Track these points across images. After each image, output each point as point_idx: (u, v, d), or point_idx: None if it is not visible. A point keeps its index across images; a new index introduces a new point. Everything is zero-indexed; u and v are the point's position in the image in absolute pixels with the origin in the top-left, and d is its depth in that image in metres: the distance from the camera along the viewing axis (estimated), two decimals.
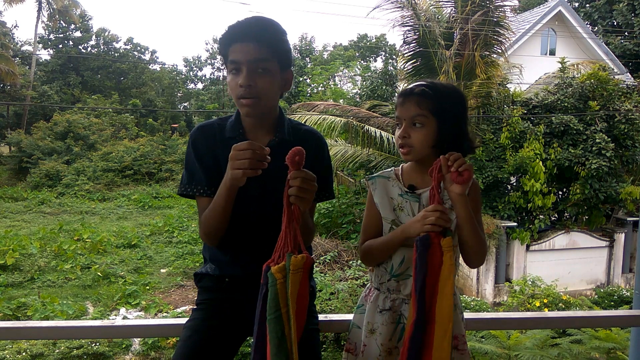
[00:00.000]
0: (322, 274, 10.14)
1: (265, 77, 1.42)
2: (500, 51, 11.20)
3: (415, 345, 1.28)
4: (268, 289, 1.20)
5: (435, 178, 1.33)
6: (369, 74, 24.02)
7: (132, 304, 9.52)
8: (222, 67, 35.39)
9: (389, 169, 1.58)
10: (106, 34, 32.02)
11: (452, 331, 1.31)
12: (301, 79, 26.51)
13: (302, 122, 1.71)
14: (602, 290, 10.31)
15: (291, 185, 1.23)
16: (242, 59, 1.39)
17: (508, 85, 11.46)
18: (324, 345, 7.49)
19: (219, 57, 35.34)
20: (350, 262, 10.79)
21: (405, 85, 12.08)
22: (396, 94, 1.57)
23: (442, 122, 1.43)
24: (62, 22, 29.53)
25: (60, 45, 31.36)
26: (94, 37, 32.01)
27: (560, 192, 11.10)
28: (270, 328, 1.19)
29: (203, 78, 37.19)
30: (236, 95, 1.42)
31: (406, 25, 11.03)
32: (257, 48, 1.40)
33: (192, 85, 37.20)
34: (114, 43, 32.70)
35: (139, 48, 33.70)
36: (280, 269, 1.20)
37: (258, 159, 1.27)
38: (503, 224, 10.26)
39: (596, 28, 20.72)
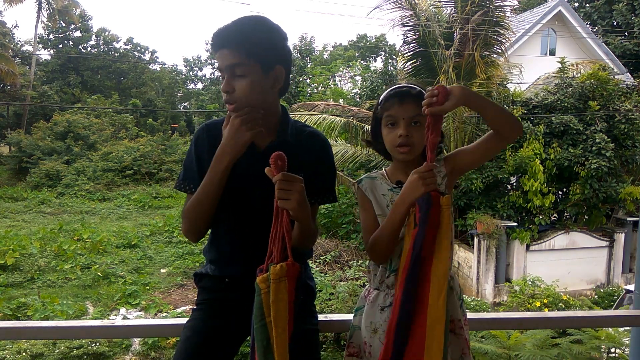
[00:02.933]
0: (322, 274, 10.14)
1: (242, 80, 1.40)
2: (500, 51, 11.20)
3: (409, 300, 1.31)
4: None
5: (428, 138, 1.35)
6: (369, 74, 24.01)
7: (132, 304, 9.53)
8: None
9: (374, 171, 1.62)
10: (106, 34, 32.02)
11: (446, 291, 1.32)
12: (301, 79, 26.49)
13: (302, 122, 1.70)
14: (602, 290, 10.31)
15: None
16: (221, 65, 1.42)
17: (508, 85, 11.46)
18: (324, 346, 7.49)
19: None
20: (350, 262, 10.79)
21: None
22: (385, 94, 1.54)
23: None
24: (62, 22, 29.53)
25: (60, 45, 31.36)
26: (94, 37, 32.01)
27: (560, 192, 11.10)
28: (256, 337, 1.23)
29: (203, 78, 37.21)
30: (223, 100, 1.46)
31: (406, 25, 11.04)
32: (231, 53, 1.40)
33: (192, 85, 37.23)
34: (114, 43, 32.70)
35: (139, 48, 33.71)
36: (264, 279, 1.23)
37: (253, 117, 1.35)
38: (503, 224, 10.26)
39: (596, 28, 20.71)
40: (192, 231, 1.50)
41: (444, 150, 1.61)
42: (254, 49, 1.40)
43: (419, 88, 1.51)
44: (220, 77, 1.45)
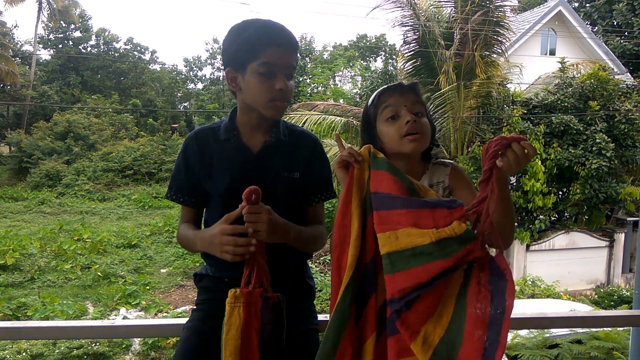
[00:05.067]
0: (322, 274, 10.15)
1: (291, 83, 1.45)
2: (500, 51, 11.20)
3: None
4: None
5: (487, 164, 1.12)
6: (369, 74, 24.02)
7: (132, 304, 9.53)
8: (223, 67, 35.35)
9: None
10: (106, 34, 32.02)
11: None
12: (301, 79, 26.50)
13: (303, 121, 1.72)
14: (602, 290, 10.31)
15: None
16: (280, 63, 1.40)
17: (508, 85, 11.46)
18: None
19: (219, 57, 35.36)
20: None
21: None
22: (378, 92, 1.47)
23: (429, 120, 1.46)
24: (62, 22, 29.51)
25: (60, 45, 31.36)
26: (94, 37, 32.00)
27: (560, 192, 11.10)
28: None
29: (203, 78, 37.17)
30: (269, 97, 1.41)
31: (406, 25, 11.04)
32: (293, 55, 1.44)
33: (192, 85, 37.18)
34: (114, 43, 32.69)
35: (139, 48, 33.69)
36: (228, 301, 1.29)
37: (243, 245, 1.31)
38: None
39: (596, 28, 20.73)
40: (186, 250, 1.60)
41: (442, 151, 1.56)
42: (298, 57, 1.48)
43: (411, 82, 1.49)
44: (263, 73, 1.40)
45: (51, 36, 30.99)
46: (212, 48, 35.88)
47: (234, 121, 1.52)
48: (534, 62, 14.39)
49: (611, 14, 20.98)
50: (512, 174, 1.17)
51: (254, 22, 1.43)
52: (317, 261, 10.88)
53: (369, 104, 1.47)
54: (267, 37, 1.40)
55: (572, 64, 12.40)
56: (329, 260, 10.93)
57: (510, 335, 5.74)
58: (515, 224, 1.27)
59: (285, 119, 1.59)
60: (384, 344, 1.15)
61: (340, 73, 26.65)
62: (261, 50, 1.39)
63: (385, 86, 1.47)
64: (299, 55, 1.52)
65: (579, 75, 11.64)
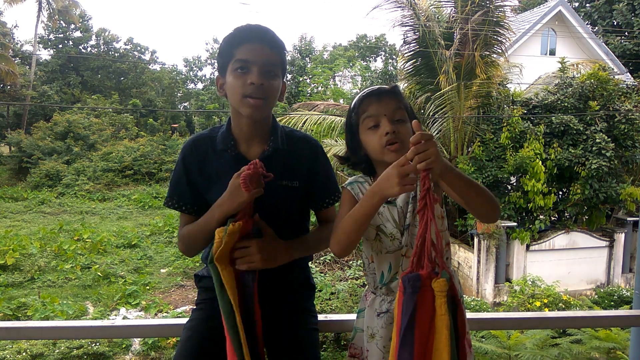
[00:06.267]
0: (322, 274, 10.14)
1: (274, 80, 1.42)
2: (500, 51, 11.20)
3: None
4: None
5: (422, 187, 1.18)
6: (369, 74, 24.02)
7: (132, 304, 9.53)
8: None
9: (360, 176, 1.51)
10: (106, 34, 32.02)
11: None
12: (301, 79, 26.48)
13: (303, 121, 1.71)
14: (602, 290, 10.31)
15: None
16: (254, 58, 1.39)
17: (508, 85, 11.46)
18: (324, 346, 7.49)
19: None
20: (350, 262, 10.79)
21: (405, 84, 12.09)
22: (357, 99, 1.46)
23: (412, 121, 1.42)
24: (62, 22, 29.52)
25: (60, 45, 31.36)
26: (94, 37, 32.00)
27: (560, 192, 11.10)
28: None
29: (203, 78, 37.15)
30: (242, 93, 1.39)
31: (406, 25, 11.03)
32: (270, 51, 1.41)
33: (192, 85, 37.16)
34: (114, 43, 32.69)
35: (139, 48, 33.69)
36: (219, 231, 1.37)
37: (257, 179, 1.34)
38: (503, 224, 10.25)
39: (596, 28, 20.73)
40: (188, 253, 1.56)
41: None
42: (283, 56, 1.46)
43: (392, 85, 1.47)
44: (237, 70, 1.39)
45: (51, 36, 30.99)
46: (212, 48, 35.86)
47: (230, 130, 1.50)
48: (534, 62, 14.39)
49: (611, 14, 20.98)
50: (439, 168, 1.16)
51: (238, 26, 1.44)
52: (317, 261, 10.87)
53: (350, 108, 1.47)
54: (240, 35, 1.41)
55: (572, 64, 12.40)
56: (329, 260, 10.93)
57: (510, 335, 5.74)
58: (490, 196, 1.29)
59: (285, 120, 1.59)
60: None
61: (340, 73, 26.62)
62: (235, 49, 1.40)
63: (365, 92, 1.45)
64: (286, 55, 1.48)
65: (579, 75, 11.63)
